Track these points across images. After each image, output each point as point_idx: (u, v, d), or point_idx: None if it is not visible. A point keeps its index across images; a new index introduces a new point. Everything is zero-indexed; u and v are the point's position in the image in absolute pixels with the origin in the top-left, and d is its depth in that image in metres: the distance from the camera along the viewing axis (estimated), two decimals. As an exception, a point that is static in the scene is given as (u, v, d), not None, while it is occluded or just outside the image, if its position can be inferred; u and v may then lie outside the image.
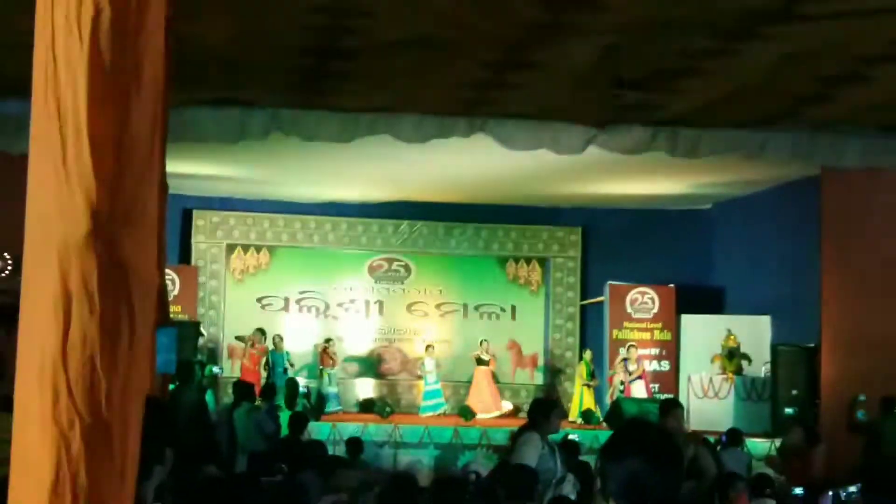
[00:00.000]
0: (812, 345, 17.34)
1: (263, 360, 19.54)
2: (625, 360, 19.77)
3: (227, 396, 17.16)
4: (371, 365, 21.58)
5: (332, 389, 19.92)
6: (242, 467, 13.57)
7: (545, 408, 10.54)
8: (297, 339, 20.83)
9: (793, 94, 11.79)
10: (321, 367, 20.06)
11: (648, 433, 3.24)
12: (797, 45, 9.92)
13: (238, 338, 20.30)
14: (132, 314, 2.27)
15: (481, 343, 20.81)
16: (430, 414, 19.70)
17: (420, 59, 10.45)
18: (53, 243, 2.23)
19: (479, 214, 21.85)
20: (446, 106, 12.37)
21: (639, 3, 8.76)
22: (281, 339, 19.89)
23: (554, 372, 22.32)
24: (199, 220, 21.46)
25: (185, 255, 21.20)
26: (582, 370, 20.20)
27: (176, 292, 18.71)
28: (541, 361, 22.39)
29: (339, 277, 21.99)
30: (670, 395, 18.02)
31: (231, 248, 21.79)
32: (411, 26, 9.54)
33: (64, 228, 2.22)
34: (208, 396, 16.78)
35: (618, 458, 3.18)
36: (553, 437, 10.34)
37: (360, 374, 21.55)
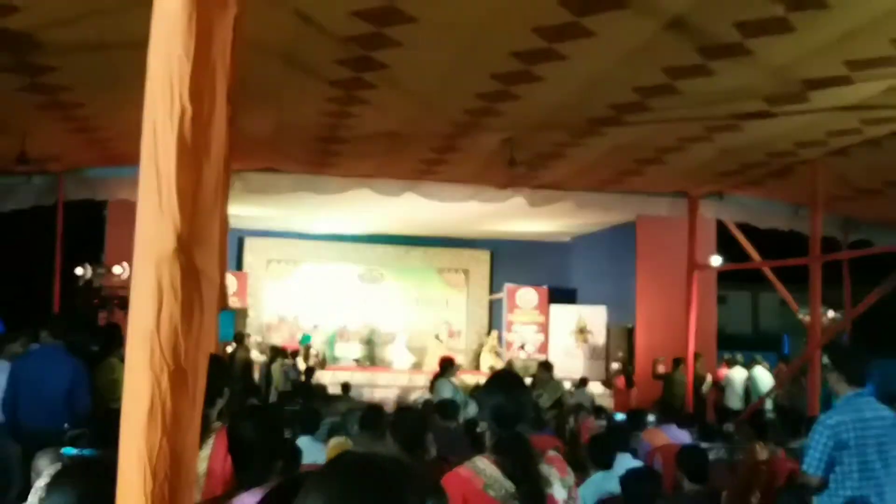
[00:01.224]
0: (631, 325, 17.47)
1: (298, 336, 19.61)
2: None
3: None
4: (359, 336, 21.46)
5: (335, 353, 19.92)
6: (274, 400, 13.44)
7: (449, 363, 10.70)
8: (312, 319, 20.71)
9: (618, 170, 11.86)
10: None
11: (508, 377, 3.24)
12: (621, 140, 9.98)
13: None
14: (201, 300, 2.25)
15: (436, 335, 20.69)
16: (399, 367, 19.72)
17: (389, 144, 10.43)
18: (152, 255, 2.21)
19: (426, 241, 21.80)
20: (406, 174, 12.35)
21: (524, 113, 8.77)
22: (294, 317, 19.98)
23: (470, 342, 22.33)
24: (249, 243, 21.29)
25: (239, 266, 21.01)
26: (494, 344, 20.20)
27: (233, 289, 18.53)
28: (463, 335, 22.38)
29: (340, 281, 21.88)
30: (544, 356, 18.08)
31: (269, 262, 21.64)
32: (383, 124, 9.54)
33: (159, 245, 2.20)
34: (253, 355, 16.67)
35: (488, 391, 3.20)
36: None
37: (351, 341, 21.45)
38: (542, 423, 10.27)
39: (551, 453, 3.18)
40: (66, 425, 6.87)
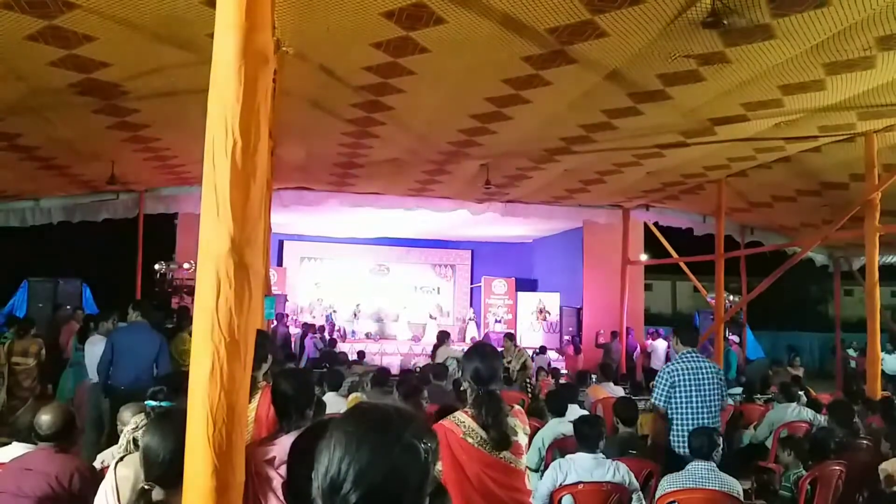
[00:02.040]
0: (579, 306, 17.47)
1: (318, 312, 19.48)
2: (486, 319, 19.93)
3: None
4: (371, 316, 21.41)
5: (353, 328, 19.81)
6: (306, 364, 13.40)
7: (445, 335, 10.67)
8: (335, 304, 20.63)
9: (569, 188, 11.87)
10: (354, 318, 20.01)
11: (484, 347, 3.24)
12: (571, 165, 10.00)
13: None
14: (250, 288, 2.24)
15: (430, 315, 20.66)
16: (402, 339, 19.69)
17: (393, 168, 10.41)
18: (212, 254, 2.20)
19: (423, 243, 21.75)
20: (407, 190, 12.34)
21: (496, 144, 8.77)
22: (333, 308, 19.95)
23: (457, 320, 22.30)
24: (287, 245, 21.20)
25: (279, 262, 20.91)
26: (472, 316, 20.28)
27: (275, 280, 18.43)
28: (451, 314, 22.35)
29: (355, 274, 21.82)
30: (511, 331, 18.08)
31: (301, 259, 21.56)
32: (389, 153, 9.53)
33: (217, 246, 2.19)
34: (291, 330, 16.63)
35: (468, 358, 3.20)
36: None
37: (365, 319, 21.40)
38: (510, 382, 10.27)
39: (516, 407, 3.17)
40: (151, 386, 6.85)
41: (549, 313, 19.20)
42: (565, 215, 13.78)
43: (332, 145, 9.08)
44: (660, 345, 15.35)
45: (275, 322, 15.07)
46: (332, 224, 18.48)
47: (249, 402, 3.00)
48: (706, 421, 5.48)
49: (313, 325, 16.82)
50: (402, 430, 1.38)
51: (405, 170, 10.55)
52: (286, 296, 19.10)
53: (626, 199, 13.13)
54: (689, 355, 5.69)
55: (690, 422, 5.50)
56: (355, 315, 20.39)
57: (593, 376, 9.74)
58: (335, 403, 6.44)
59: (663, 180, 10.98)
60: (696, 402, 5.57)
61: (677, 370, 5.63)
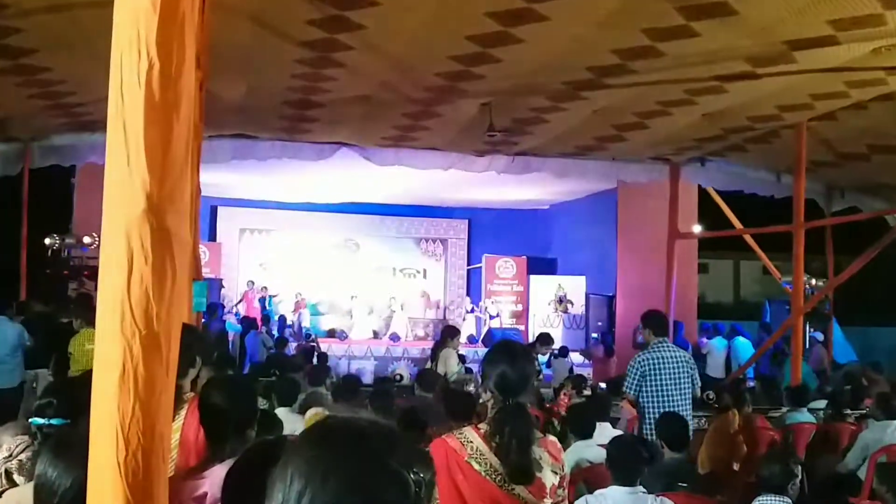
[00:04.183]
0: (611, 294, 17.55)
1: (256, 300, 19.49)
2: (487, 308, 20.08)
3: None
4: (334, 306, 21.46)
5: (305, 323, 19.85)
6: (248, 371, 13.46)
7: (453, 332, 10.72)
8: (286, 290, 20.66)
9: (599, 136, 11.86)
10: (295, 311, 20.01)
11: (512, 346, 3.25)
12: (601, 104, 9.98)
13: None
14: (173, 263, 2.23)
15: (391, 299, 20.76)
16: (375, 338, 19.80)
17: (364, 109, 10.36)
18: (122, 218, 2.18)
19: (402, 210, 21.83)
20: (382, 140, 12.29)
21: (502, 76, 8.74)
22: (266, 288, 19.96)
23: (449, 311, 22.42)
24: (222, 212, 21.18)
25: (212, 236, 20.91)
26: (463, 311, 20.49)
27: (206, 260, 18.42)
28: (441, 305, 22.47)
29: (314, 250, 21.82)
30: (521, 327, 18.18)
31: (242, 231, 21.57)
32: (357, 88, 9.47)
33: (128, 208, 2.17)
34: (228, 326, 16.65)
35: (491, 361, 3.20)
36: None
37: (326, 313, 21.44)
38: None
39: (549, 437, 3.18)
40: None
41: (572, 303, 19.27)
42: (594, 173, 13.76)
43: (282, 78, 9.00)
44: (718, 345, 15.45)
45: (206, 315, 15.07)
46: (281, 185, 18.42)
47: (173, 419, 3.00)
48: (682, 413, 6.72)
49: (256, 319, 16.83)
50: (385, 454, 1.34)
51: (380, 112, 10.49)
52: (221, 280, 19.10)
53: (674, 150, 13.12)
54: (661, 345, 7.04)
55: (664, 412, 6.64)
56: (299, 304, 20.35)
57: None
58: (288, 422, 6.45)
59: (724, 125, 10.97)
60: (670, 393, 6.90)
61: (649, 360, 6.94)
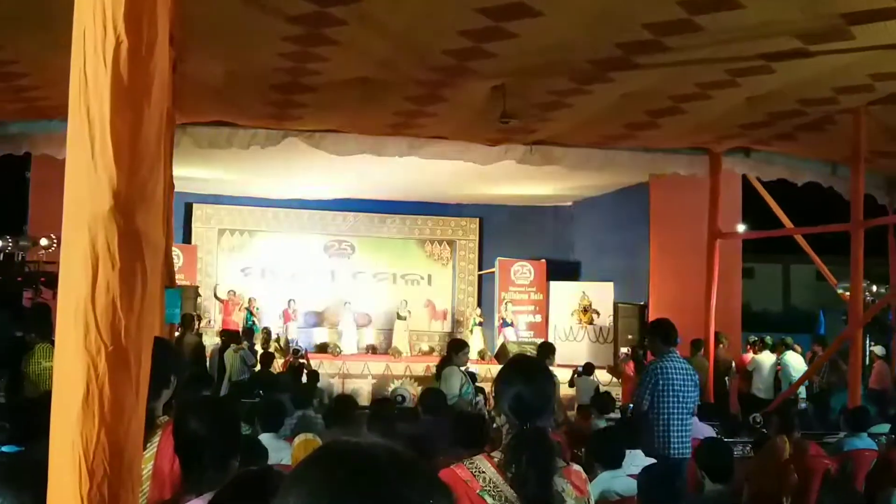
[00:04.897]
0: (642, 303, 17.54)
1: (236, 309, 19.51)
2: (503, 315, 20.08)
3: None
4: (326, 317, 21.50)
5: (292, 336, 19.85)
6: (228, 392, 13.50)
7: (459, 347, 10.70)
8: (271, 299, 20.68)
9: (628, 122, 11.85)
10: (283, 321, 20.03)
11: (529, 362, 3.24)
12: (632, 87, 9.97)
13: (217, 297, 20.23)
14: (144, 269, 2.22)
15: (401, 303, 20.96)
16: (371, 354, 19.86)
17: (361, 93, 10.36)
18: (85, 216, 2.18)
19: (405, 208, 21.88)
20: (381, 128, 12.30)
21: (517, 54, 8.73)
22: (254, 299, 19.84)
23: (457, 323, 22.47)
24: (198, 210, 21.29)
25: (187, 237, 20.98)
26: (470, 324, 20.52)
27: (180, 264, 18.47)
28: (449, 315, 22.51)
29: (302, 253, 21.87)
30: (543, 339, 18.15)
31: (221, 232, 21.63)
32: (353, 70, 9.47)
33: (92, 205, 2.17)
34: (205, 340, 16.65)
35: (506, 379, 3.19)
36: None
37: (317, 325, 21.47)
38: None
39: (574, 466, 3.18)
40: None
41: (598, 313, 19.26)
42: (623, 164, 13.76)
43: (268, 57, 9.00)
44: (765, 360, 15.41)
45: (180, 327, 15.10)
46: (267, 180, 18.44)
47: (144, 447, 3.00)
48: (686, 425, 7.42)
49: (237, 332, 16.83)
50: (400, 483, 1.33)
51: (379, 96, 10.49)
52: (197, 288, 19.13)
53: (714, 139, 13.11)
54: (671, 355, 7.49)
55: (677, 424, 7.30)
56: (287, 315, 20.34)
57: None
58: (274, 450, 6.46)
59: (772, 109, 10.96)
60: (681, 403, 7.36)
61: (666, 368, 7.36)
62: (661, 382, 7.32)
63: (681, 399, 7.38)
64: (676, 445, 7.29)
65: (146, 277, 2.23)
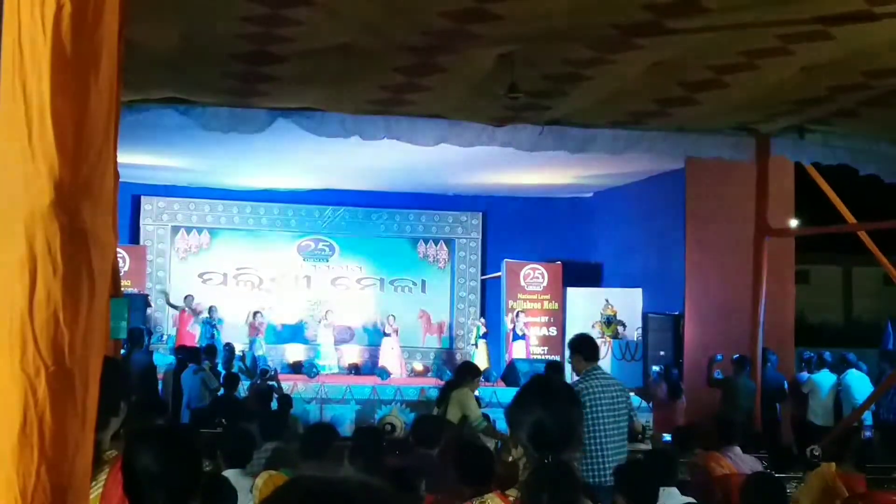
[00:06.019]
0: (677, 312, 17.55)
1: (195, 323, 19.47)
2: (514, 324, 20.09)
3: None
4: (299, 331, 21.50)
5: (260, 353, 19.83)
6: (186, 420, 13.51)
7: (473, 370, 10.90)
8: (235, 309, 20.69)
9: (660, 98, 11.87)
10: (249, 336, 20.01)
11: (549, 384, 3.26)
12: (663, 54, 9.98)
13: (170, 304, 20.24)
14: (91, 274, 2.23)
15: (387, 318, 20.97)
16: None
17: (341, 64, 10.36)
18: (20, 212, 2.18)
19: (394, 201, 21.91)
20: (364, 106, 12.30)
21: (529, 16, 8.74)
22: (216, 309, 19.76)
23: (457, 338, 22.48)
24: (147, 205, 21.28)
25: (134, 237, 20.98)
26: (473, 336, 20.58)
27: (126, 269, 18.49)
28: (447, 329, 22.50)
29: (272, 255, 21.88)
30: (556, 358, 18.17)
31: (175, 230, 21.62)
32: (332, 36, 9.47)
33: (30, 199, 2.17)
34: (157, 359, 16.66)
35: (522, 405, 3.22)
36: None
37: (290, 340, 21.48)
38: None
39: None
40: None
41: (624, 325, 19.27)
42: (654, 148, 13.79)
43: (228, 22, 9.02)
44: (823, 381, 15.42)
45: (127, 344, 15.10)
46: (229, 168, 18.44)
47: (91, 485, 3.01)
48: (621, 447, 7.79)
49: (197, 349, 16.83)
50: None
51: (363, 67, 10.53)
52: (147, 297, 19.13)
53: (763, 117, 13.14)
54: (596, 372, 7.91)
55: (608, 448, 7.63)
56: (254, 329, 20.28)
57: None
58: (241, 488, 6.47)
59: (830, 82, 10.99)
60: (611, 426, 7.69)
61: (591, 388, 7.67)
62: (587, 404, 7.47)
63: (608, 423, 7.67)
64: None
65: (94, 284, 2.23)
